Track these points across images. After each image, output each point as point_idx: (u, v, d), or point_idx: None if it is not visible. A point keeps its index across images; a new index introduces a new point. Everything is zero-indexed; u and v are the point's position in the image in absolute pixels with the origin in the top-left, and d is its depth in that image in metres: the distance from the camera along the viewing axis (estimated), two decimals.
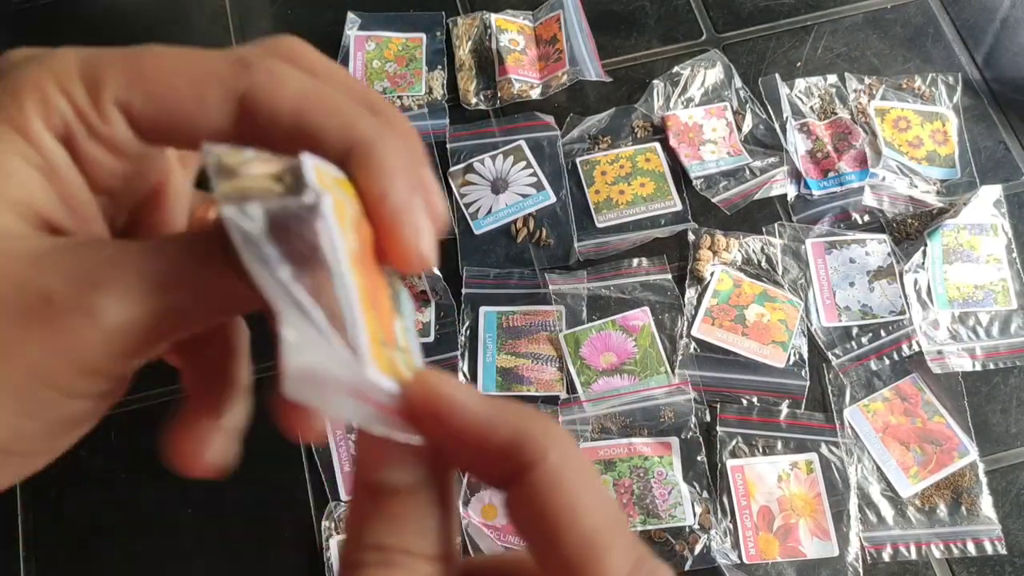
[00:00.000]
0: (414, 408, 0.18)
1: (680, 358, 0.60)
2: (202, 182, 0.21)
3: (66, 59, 0.20)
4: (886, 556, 0.55)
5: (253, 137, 0.20)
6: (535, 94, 0.70)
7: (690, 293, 0.63)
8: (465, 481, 0.57)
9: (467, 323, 0.62)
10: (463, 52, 0.72)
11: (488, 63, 0.72)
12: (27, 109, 0.19)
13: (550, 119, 0.69)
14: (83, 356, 0.18)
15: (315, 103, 0.20)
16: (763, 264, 0.64)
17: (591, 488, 0.18)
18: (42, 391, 0.19)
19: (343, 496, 0.57)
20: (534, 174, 0.67)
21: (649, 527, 0.56)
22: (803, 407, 0.59)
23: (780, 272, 0.64)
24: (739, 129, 0.69)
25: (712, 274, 0.63)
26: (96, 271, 0.18)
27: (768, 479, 0.57)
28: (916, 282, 0.63)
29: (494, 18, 0.73)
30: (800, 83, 0.70)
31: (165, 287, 0.18)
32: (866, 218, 0.66)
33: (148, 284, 0.18)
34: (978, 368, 0.60)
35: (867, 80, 0.71)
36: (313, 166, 0.18)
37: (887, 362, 0.61)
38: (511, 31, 0.73)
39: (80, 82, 0.20)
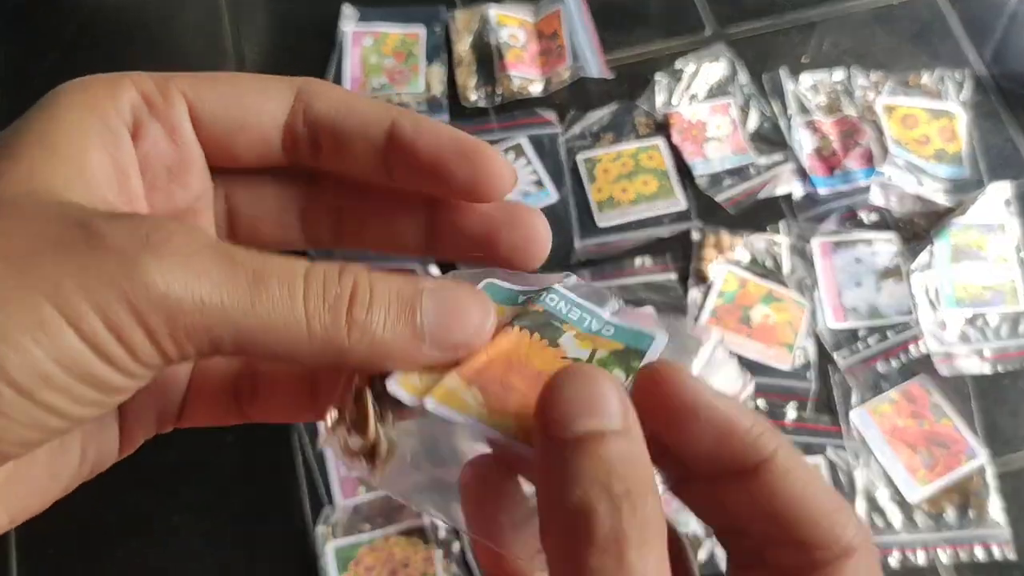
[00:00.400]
0: (651, 394, 0.19)
1: None
2: None
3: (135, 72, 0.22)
4: (894, 561, 0.54)
5: (307, 127, 0.23)
6: (536, 90, 0.69)
7: (694, 293, 0.61)
8: None
9: None
10: (462, 47, 0.71)
11: (487, 59, 0.70)
12: (99, 93, 0.21)
13: (551, 116, 0.68)
14: (114, 310, 0.17)
15: (354, 104, 0.23)
16: (768, 264, 0.63)
17: (815, 473, 0.20)
18: (68, 335, 0.17)
19: (339, 501, 0.56)
20: (535, 172, 0.66)
21: None
22: (809, 409, 0.58)
23: (786, 272, 0.63)
24: (743, 126, 0.68)
25: (716, 274, 0.62)
26: (164, 238, 0.18)
27: None
28: (924, 282, 0.62)
29: (494, 13, 0.72)
30: (806, 79, 0.69)
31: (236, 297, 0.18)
32: (873, 217, 0.64)
33: (212, 278, 0.18)
34: (987, 370, 0.59)
35: (873, 76, 0.69)
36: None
37: (894, 364, 0.60)
38: (511, 26, 0.72)
39: (149, 76, 0.22)
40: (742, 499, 0.19)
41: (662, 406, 0.19)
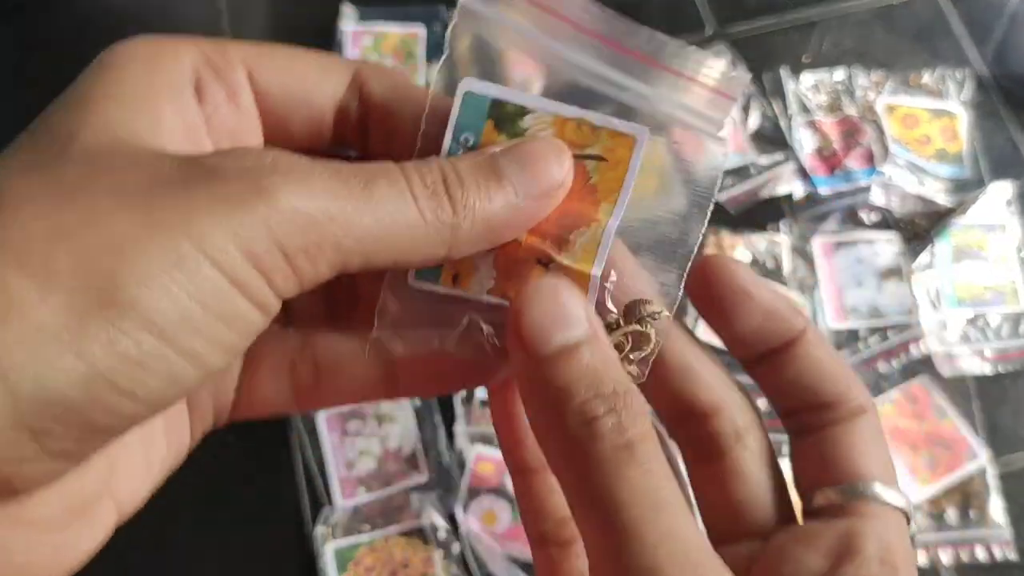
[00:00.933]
0: (706, 283, 0.23)
1: None
2: None
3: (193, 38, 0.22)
4: None
5: (360, 109, 0.23)
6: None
7: None
8: (464, 487, 0.56)
9: None
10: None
11: None
12: (161, 52, 0.20)
13: None
14: (250, 236, 0.17)
15: (409, 91, 0.23)
16: (769, 264, 0.63)
17: (830, 346, 0.23)
18: (207, 269, 0.17)
19: (339, 501, 0.56)
20: None
21: None
22: None
23: (786, 272, 0.62)
24: (744, 126, 0.68)
25: None
26: (275, 163, 0.19)
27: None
28: (925, 282, 0.62)
29: None
30: (806, 79, 0.69)
31: (353, 202, 0.19)
32: (874, 217, 0.64)
33: (331, 191, 0.19)
34: (988, 370, 0.59)
35: (874, 76, 0.69)
36: None
37: (895, 364, 0.59)
38: None
39: (208, 41, 0.21)
40: (773, 375, 0.23)
41: (718, 293, 0.22)
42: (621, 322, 0.22)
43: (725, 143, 0.23)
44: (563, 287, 0.20)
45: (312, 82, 0.22)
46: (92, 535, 0.20)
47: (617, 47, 0.23)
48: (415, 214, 0.19)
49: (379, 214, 0.19)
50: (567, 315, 0.19)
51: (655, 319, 0.22)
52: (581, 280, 0.22)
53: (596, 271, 0.22)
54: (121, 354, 0.16)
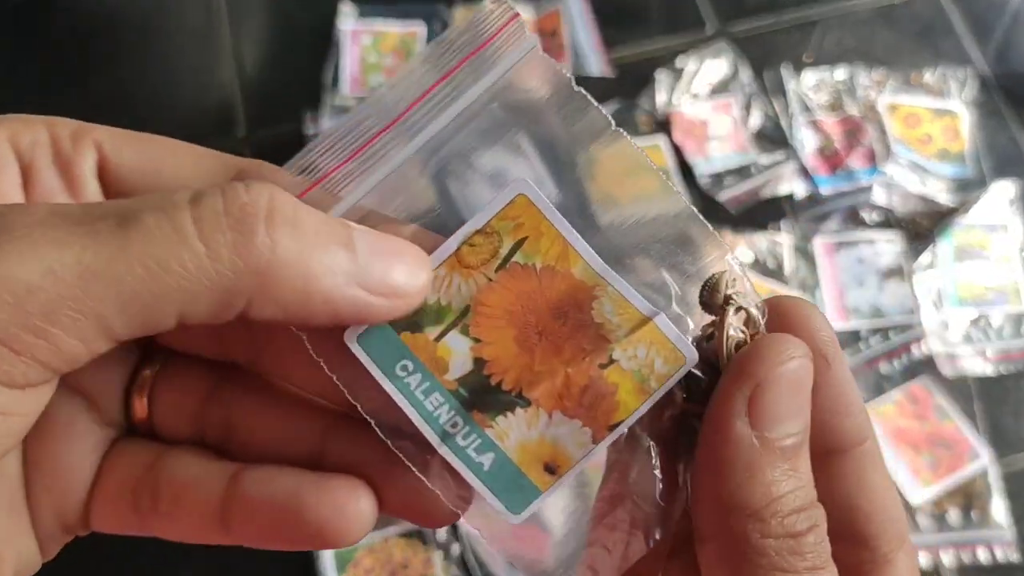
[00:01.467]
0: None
1: None
2: None
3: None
4: None
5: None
6: None
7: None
8: None
9: None
10: None
11: None
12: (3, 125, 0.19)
13: None
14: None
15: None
16: (770, 263, 0.63)
17: (889, 475, 0.20)
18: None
19: None
20: (535, 170, 0.66)
21: None
22: None
23: (788, 272, 0.62)
24: (745, 125, 0.68)
25: None
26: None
27: None
28: (927, 282, 0.61)
29: None
30: (808, 78, 0.69)
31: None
32: (875, 216, 0.64)
33: (70, 243, 0.15)
34: (990, 371, 0.59)
35: (876, 75, 0.69)
36: None
37: (897, 365, 0.59)
38: None
39: (68, 123, 0.19)
40: (824, 480, 0.19)
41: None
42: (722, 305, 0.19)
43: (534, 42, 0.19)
44: (802, 366, 0.18)
45: (171, 175, 0.19)
46: None
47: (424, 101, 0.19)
48: (198, 255, 0.15)
49: (140, 260, 0.15)
50: (801, 406, 0.18)
51: (739, 295, 0.19)
52: (662, 346, 0.19)
53: (650, 310, 0.19)
54: None
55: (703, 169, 0.65)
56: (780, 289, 0.61)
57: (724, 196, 0.64)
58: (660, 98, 0.68)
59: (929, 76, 0.69)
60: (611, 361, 0.18)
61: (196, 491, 0.20)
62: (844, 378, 0.19)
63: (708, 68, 0.69)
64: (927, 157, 0.66)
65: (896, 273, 0.62)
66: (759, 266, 0.63)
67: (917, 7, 0.73)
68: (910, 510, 0.55)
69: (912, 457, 0.57)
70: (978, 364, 0.59)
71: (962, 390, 0.58)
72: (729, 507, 0.17)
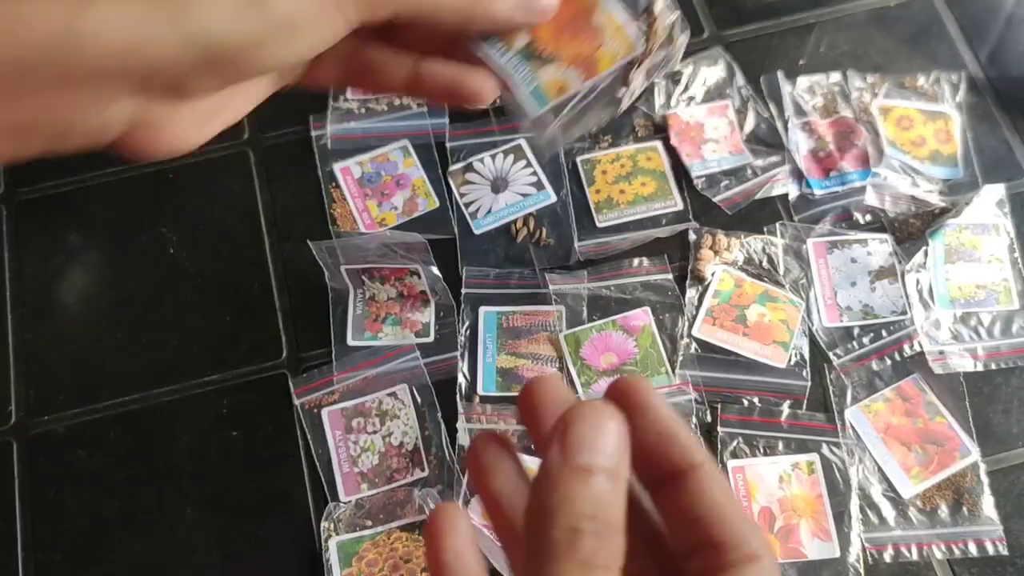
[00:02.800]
0: (621, 396, 0.24)
1: (681, 358, 0.60)
2: None
3: None
4: (887, 557, 0.55)
5: None
6: None
7: (691, 293, 0.62)
8: (465, 483, 0.57)
9: (467, 323, 0.62)
10: None
11: None
12: None
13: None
14: None
15: None
16: (764, 264, 0.64)
17: (731, 490, 0.24)
18: None
19: (342, 497, 0.57)
20: (534, 173, 0.67)
21: None
22: (804, 407, 0.59)
23: (781, 272, 0.63)
24: (741, 128, 0.69)
25: (713, 274, 0.63)
26: None
27: (769, 480, 0.57)
28: (918, 282, 0.62)
29: None
30: (803, 81, 0.70)
31: None
32: (868, 218, 0.65)
33: None
34: (980, 368, 0.60)
35: (870, 78, 0.70)
36: None
37: (888, 362, 0.60)
38: None
39: None
40: (670, 503, 0.24)
41: (617, 402, 0.24)
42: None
43: None
44: (611, 419, 0.22)
45: None
46: (217, 126, 0.32)
47: None
48: None
49: None
50: (605, 445, 0.22)
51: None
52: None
53: (624, 20, 0.34)
54: (275, 22, 0.27)
55: (699, 171, 0.67)
56: (774, 288, 0.62)
57: (720, 197, 0.65)
58: (657, 101, 0.69)
59: (922, 79, 0.70)
60: (599, 46, 0.34)
61: (393, 65, 0.33)
62: (662, 416, 0.24)
63: (704, 72, 0.71)
64: (919, 159, 0.67)
65: (888, 273, 0.63)
66: (754, 266, 0.64)
67: (911, 11, 0.74)
68: (901, 505, 0.56)
69: (903, 453, 0.58)
70: (968, 362, 0.60)
71: (953, 387, 0.59)
72: (534, 511, 0.22)
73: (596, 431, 0.22)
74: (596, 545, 0.21)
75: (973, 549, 0.55)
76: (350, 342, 0.61)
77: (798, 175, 0.67)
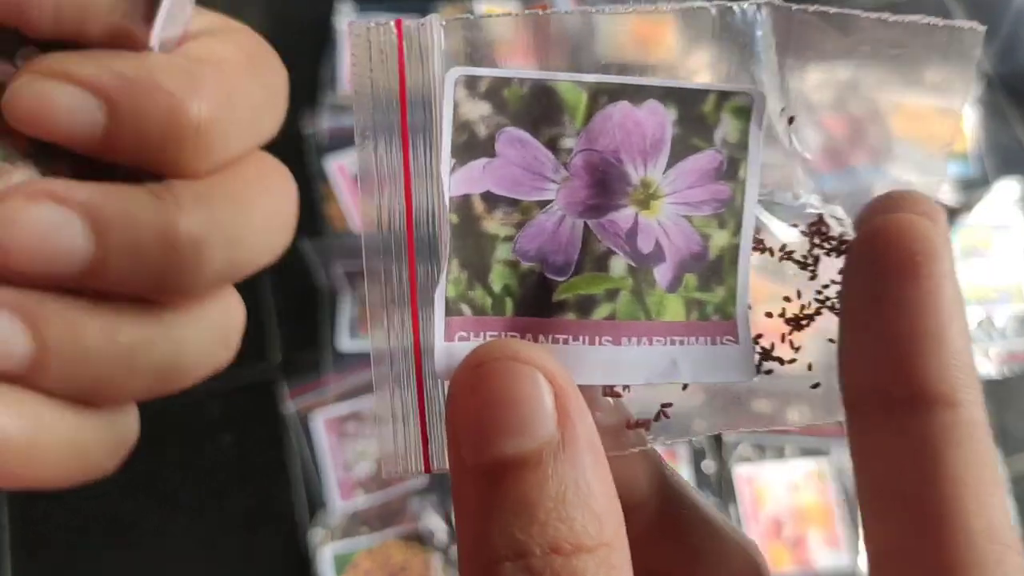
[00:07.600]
0: None
1: None
2: None
3: None
4: None
5: None
6: None
7: None
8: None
9: None
10: None
11: None
12: None
13: None
14: None
15: None
16: None
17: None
18: None
19: (336, 503, 0.56)
20: None
21: None
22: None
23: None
24: None
25: None
26: None
27: (778, 487, 0.55)
28: None
29: (482, 7, 0.71)
30: (812, 77, 0.69)
31: None
32: None
33: None
34: (994, 372, 0.59)
35: (880, 74, 0.69)
36: None
37: None
38: None
39: None
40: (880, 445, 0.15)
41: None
42: None
43: None
44: (523, 369, 0.13)
45: None
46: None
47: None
48: None
49: None
50: (524, 413, 0.12)
51: None
52: None
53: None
54: None
55: None
56: None
57: None
58: None
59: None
60: None
61: None
62: (940, 296, 0.14)
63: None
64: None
65: None
66: None
67: (920, 6, 0.73)
68: None
69: None
70: (982, 365, 0.59)
71: None
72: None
73: (499, 391, 0.13)
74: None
75: None
76: (343, 344, 0.60)
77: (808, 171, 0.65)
